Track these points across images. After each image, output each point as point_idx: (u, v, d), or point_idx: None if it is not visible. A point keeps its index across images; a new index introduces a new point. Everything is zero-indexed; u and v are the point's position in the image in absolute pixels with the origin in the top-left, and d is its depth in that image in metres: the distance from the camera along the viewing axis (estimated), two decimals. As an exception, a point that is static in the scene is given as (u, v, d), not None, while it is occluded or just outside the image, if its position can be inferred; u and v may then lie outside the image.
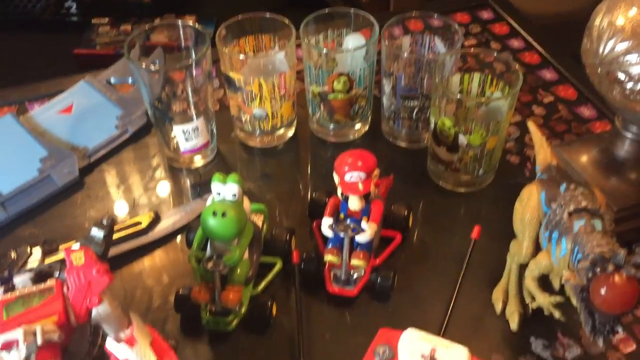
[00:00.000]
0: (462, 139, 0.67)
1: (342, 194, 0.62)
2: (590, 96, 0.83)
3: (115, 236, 0.66)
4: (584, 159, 0.68)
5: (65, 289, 0.48)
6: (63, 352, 0.48)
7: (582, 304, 0.47)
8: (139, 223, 0.69)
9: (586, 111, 0.82)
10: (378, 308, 0.63)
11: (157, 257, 0.68)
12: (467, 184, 0.73)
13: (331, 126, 0.79)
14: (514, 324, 0.60)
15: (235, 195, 0.57)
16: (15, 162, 0.74)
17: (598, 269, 0.46)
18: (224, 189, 0.57)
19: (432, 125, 0.70)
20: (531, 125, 0.66)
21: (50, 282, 0.48)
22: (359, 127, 0.80)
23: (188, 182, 0.77)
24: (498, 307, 0.61)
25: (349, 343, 0.60)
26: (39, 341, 0.44)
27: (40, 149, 0.75)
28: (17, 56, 1.70)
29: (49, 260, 0.62)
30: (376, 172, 0.62)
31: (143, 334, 0.49)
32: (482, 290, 0.63)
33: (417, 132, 0.78)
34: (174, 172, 0.78)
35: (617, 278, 0.45)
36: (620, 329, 0.48)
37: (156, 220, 0.70)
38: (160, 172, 0.77)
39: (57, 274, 0.52)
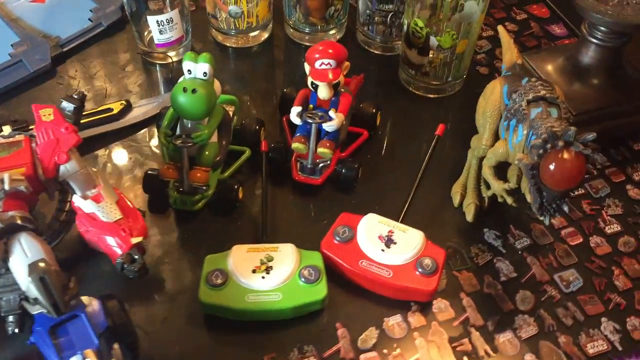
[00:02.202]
0: (433, 41, 0.68)
1: (312, 84, 0.63)
2: (563, 15, 0.84)
3: (87, 120, 0.67)
4: (549, 66, 0.70)
5: (33, 144, 0.49)
6: (30, 211, 0.50)
7: (532, 181, 0.50)
8: (110, 109, 0.70)
9: (557, 29, 0.84)
10: (341, 197, 0.65)
11: (127, 143, 0.69)
12: (436, 90, 0.74)
13: (307, 29, 0.79)
14: (469, 216, 0.62)
15: (206, 73, 0.58)
16: (-14, 45, 0.74)
17: (549, 146, 0.48)
18: (195, 68, 0.58)
19: (405, 28, 0.71)
20: (500, 29, 0.67)
21: (19, 137, 0.49)
22: (334, 33, 0.81)
23: (160, 77, 0.77)
24: (456, 200, 0.64)
25: (311, 227, 0.62)
26: (7, 187, 0.45)
27: (12, 34, 0.75)
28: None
29: (19, 136, 0.63)
30: (346, 63, 0.63)
31: (109, 193, 0.51)
32: (442, 186, 0.66)
33: (390, 38, 0.79)
34: (147, 66, 0.78)
35: (565, 154, 0.47)
36: (566, 208, 0.50)
37: (127, 108, 0.70)
38: (133, 66, 0.77)
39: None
